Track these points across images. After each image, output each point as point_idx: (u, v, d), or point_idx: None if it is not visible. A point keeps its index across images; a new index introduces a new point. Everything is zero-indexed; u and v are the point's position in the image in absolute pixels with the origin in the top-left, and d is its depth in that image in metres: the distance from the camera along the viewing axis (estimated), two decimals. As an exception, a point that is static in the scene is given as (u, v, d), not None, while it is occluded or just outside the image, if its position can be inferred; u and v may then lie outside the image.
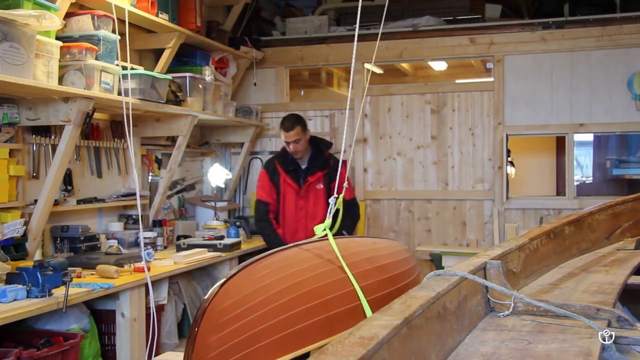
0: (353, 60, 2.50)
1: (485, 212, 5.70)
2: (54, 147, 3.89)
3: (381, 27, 3.30)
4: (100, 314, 3.58)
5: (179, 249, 4.49)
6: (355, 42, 2.44)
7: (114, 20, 3.79)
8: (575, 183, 5.68)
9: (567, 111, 5.53)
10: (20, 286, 2.90)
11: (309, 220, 4.39)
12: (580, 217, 2.99)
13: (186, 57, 5.10)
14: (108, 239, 4.31)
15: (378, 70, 6.62)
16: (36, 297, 2.89)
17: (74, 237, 4.06)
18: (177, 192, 5.63)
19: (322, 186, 4.47)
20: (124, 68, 3.90)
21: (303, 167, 4.53)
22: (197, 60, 5.11)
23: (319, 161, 4.52)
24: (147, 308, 3.59)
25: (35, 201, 3.77)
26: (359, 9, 2.47)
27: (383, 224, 5.94)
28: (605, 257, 2.81)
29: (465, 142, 5.77)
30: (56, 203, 3.93)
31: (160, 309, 4.09)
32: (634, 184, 5.99)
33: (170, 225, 5.02)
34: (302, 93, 7.41)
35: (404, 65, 7.12)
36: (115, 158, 4.67)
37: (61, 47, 3.47)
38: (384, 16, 3.01)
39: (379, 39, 3.00)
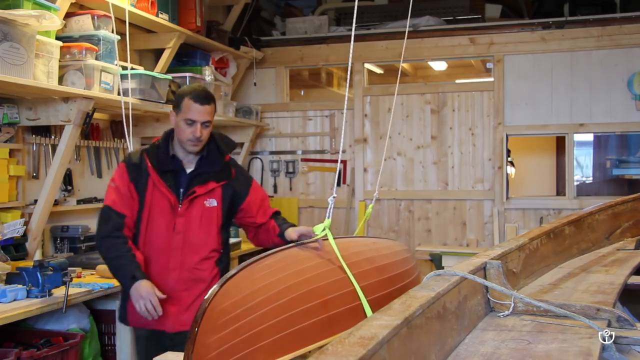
0: (350, 60, 2.50)
1: (485, 212, 5.70)
2: (54, 147, 3.89)
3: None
4: (100, 314, 3.58)
5: (179, 249, 4.47)
6: (352, 46, 2.44)
7: (113, 21, 3.79)
8: (575, 183, 5.69)
9: (567, 111, 5.53)
10: (20, 286, 2.91)
11: (187, 254, 2.83)
12: (580, 217, 3.00)
13: (186, 57, 5.10)
14: (108, 239, 4.31)
15: (378, 70, 6.62)
16: (36, 297, 2.89)
17: (74, 237, 4.07)
18: (177, 192, 5.61)
19: (216, 203, 2.87)
20: (124, 68, 3.90)
21: (188, 170, 2.89)
22: (197, 60, 5.11)
23: (214, 165, 2.91)
24: (147, 308, 3.57)
25: (35, 201, 3.77)
26: (355, 10, 2.47)
27: (383, 224, 5.94)
28: (605, 257, 2.81)
29: (465, 142, 5.77)
30: (56, 203, 3.93)
31: (160, 309, 4.09)
32: (634, 184, 5.99)
33: (170, 225, 5.00)
34: (302, 93, 7.41)
35: (404, 65, 7.12)
36: (115, 158, 4.67)
37: (61, 47, 3.47)
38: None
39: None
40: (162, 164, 2.85)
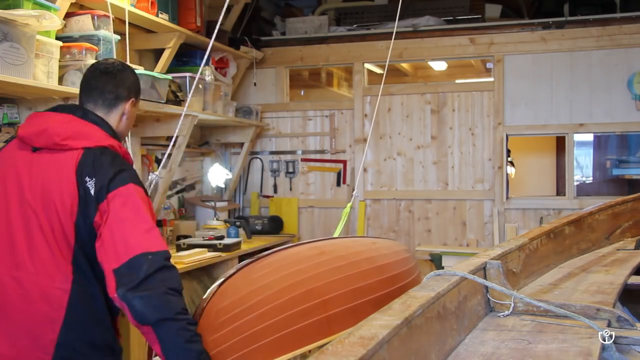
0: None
1: (485, 212, 5.70)
2: (54, 147, 3.88)
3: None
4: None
5: (179, 249, 4.49)
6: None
7: (113, 20, 3.79)
8: (575, 183, 5.69)
9: (567, 111, 5.53)
10: (20, 286, 2.90)
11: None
12: (580, 217, 3.00)
13: (186, 57, 5.10)
14: (108, 239, 4.30)
15: (378, 70, 6.62)
16: (36, 297, 2.89)
17: (74, 237, 4.05)
18: (177, 192, 5.62)
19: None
20: (124, 68, 3.89)
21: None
22: (197, 60, 5.11)
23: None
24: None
25: (35, 201, 3.76)
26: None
27: (383, 224, 5.94)
28: (605, 257, 2.81)
29: (465, 142, 5.77)
30: (56, 203, 3.92)
31: (160, 309, 4.08)
32: (634, 184, 5.99)
33: (170, 225, 5.01)
34: (302, 93, 7.41)
35: (404, 65, 7.12)
36: (115, 158, 4.66)
37: (61, 47, 3.47)
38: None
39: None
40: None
